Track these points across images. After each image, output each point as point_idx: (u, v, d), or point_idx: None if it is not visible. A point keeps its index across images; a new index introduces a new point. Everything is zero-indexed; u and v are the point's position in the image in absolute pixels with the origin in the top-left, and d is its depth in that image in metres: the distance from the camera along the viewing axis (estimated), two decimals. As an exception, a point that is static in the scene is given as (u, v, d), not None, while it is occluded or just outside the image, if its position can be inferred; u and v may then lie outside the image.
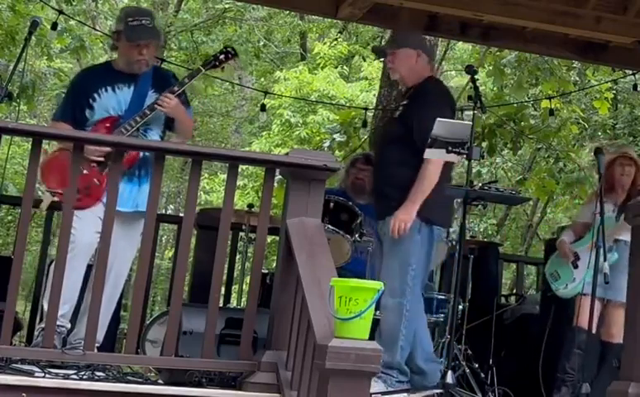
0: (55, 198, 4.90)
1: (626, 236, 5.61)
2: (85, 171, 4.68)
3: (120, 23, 5.12)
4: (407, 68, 5.30)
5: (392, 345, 5.01)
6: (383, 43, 12.83)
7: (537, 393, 6.28)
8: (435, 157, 5.09)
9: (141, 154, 4.94)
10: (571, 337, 5.79)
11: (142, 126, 4.95)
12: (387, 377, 4.99)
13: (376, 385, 4.74)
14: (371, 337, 3.94)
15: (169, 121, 5.07)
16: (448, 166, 5.19)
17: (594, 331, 5.59)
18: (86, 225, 4.72)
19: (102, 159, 4.85)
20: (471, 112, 5.27)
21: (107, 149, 4.80)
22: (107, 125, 4.93)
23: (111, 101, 4.98)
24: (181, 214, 8.29)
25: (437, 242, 5.26)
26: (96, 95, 4.97)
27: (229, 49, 5.29)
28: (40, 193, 4.98)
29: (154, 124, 5.03)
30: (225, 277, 6.85)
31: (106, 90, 4.99)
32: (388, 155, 5.24)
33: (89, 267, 4.81)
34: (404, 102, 5.29)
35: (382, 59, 5.42)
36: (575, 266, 6.01)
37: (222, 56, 5.23)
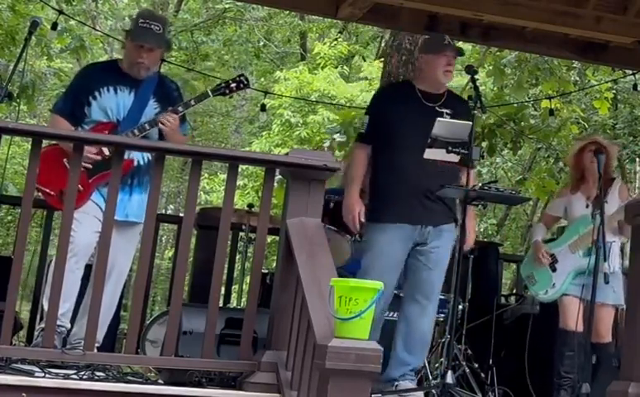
0: (39, 195, 4.89)
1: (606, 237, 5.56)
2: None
3: (132, 23, 5.11)
4: None
5: (426, 351, 5.31)
6: (384, 43, 12.84)
7: (537, 393, 6.28)
8: (435, 157, 5.10)
9: (135, 163, 4.93)
10: (561, 341, 5.76)
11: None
12: (415, 378, 5.23)
13: (412, 383, 5.12)
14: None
15: (160, 136, 5.01)
16: None
17: (583, 332, 5.58)
18: (84, 226, 4.72)
19: (90, 165, 4.84)
20: (471, 112, 5.27)
21: (98, 157, 4.81)
22: (106, 132, 4.90)
23: (110, 102, 4.96)
24: (181, 214, 8.29)
25: None
26: (97, 93, 4.96)
27: (242, 78, 5.22)
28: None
29: (150, 137, 4.99)
30: (225, 277, 6.85)
31: (107, 90, 4.97)
32: (445, 161, 5.17)
33: (89, 267, 4.81)
34: (448, 112, 5.25)
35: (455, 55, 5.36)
36: (554, 269, 5.89)
37: (233, 85, 5.17)
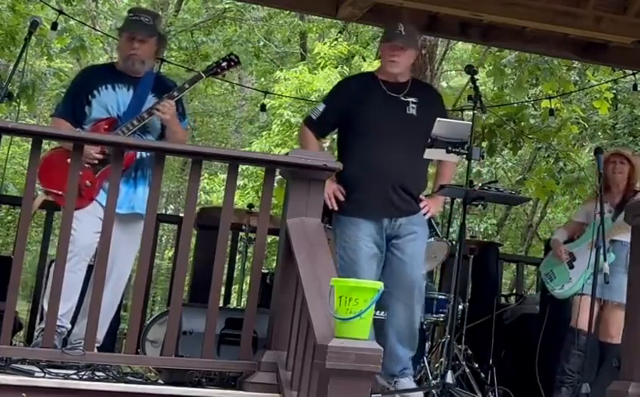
0: (49, 198, 4.90)
1: (622, 237, 5.63)
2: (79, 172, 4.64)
3: (124, 20, 5.16)
4: (407, 66, 5.31)
5: (416, 341, 5.24)
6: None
7: (537, 393, 6.28)
8: (435, 157, 5.10)
9: (138, 155, 4.94)
10: (570, 338, 5.78)
11: (140, 130, 4.92)
12: (412, 369, 5.22)
13: (411, 383, 5.10)
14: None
15: (163, 128, 5.03)
16: None
17: (592, 331, 5.59)
18: (85, 226, 4.72)
19: (96, 162, 4.85)
20: (471, 112, 5.27)
21: (101, 156, 4.81)
22: (106, 127, 4.92)
23: (110, 99, 4.98)
24: (181, 214, 8.29)
25: None
26: (95, 92, 4.98)
27: (232, 56, 5.24)
28: (38, 192, 4.99)
29: (152, 130, 5.02)
30: (225, 277, 6.85)
31: (106, 88, 4.99)
32: (413, 154, 5.14)
33: (91, 267, 4.81)
34: (414, 100, 5.23)
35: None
36: (571, 266, 5.98)
37: (224, 63, 5.19)
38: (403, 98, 5.24)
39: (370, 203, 5.15)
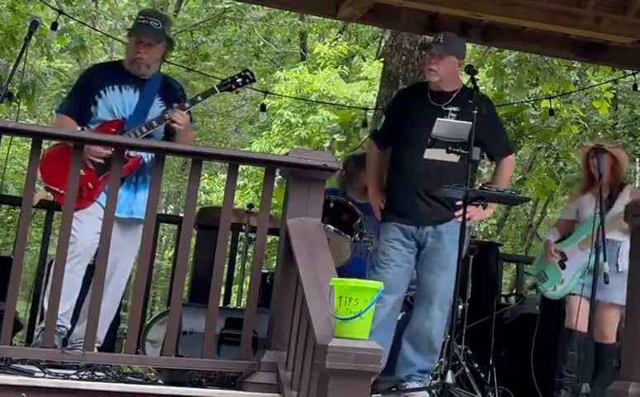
0: (49, 194, 4.90)
1: (611, 236, 5.58)
2: (82, 172, 4.59)
3: (134, 21, 5.15)
4: (447, 74, 5.34)
5: (434, 354, 5.26)
6: (383, 43, 12.83)
7: (536, 393, 6.27)
8: (435, 157, 5.10)
9: (140, 161, 4.94)
10: (565, 340, 5.77)
11: (146, 136, 4.92)
12: (424, 379, 5.20)
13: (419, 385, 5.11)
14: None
15: (169, 133, 5.02)
16: None
17: (587, 331, 5.57)
18: (87, 227, 4.71)
19: (101, 161, 4.84)
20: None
21: (107, 153, 4.80)
22: (113, 130, 4.90)
23: (116, 100, 4.96)
24: (181, 214, 8.29)
25: None
26: (102, 92, 4.96)
27: (247, 73, 5.25)
28: (38, 191, 4.98)
29: (156, 136, 5.00)
30: (225, 277, 6.85)
31: (112, 88, 4.98)
32: (446, 161, 5.14)
33: (92, 267, 4.80)
34: (455, 109, 5.26)
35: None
36: (563, 267, 5.91)
37: (239, 79, 5.19)
38: (443, 107, 5.31)
39: (400, 208, 5.30)
